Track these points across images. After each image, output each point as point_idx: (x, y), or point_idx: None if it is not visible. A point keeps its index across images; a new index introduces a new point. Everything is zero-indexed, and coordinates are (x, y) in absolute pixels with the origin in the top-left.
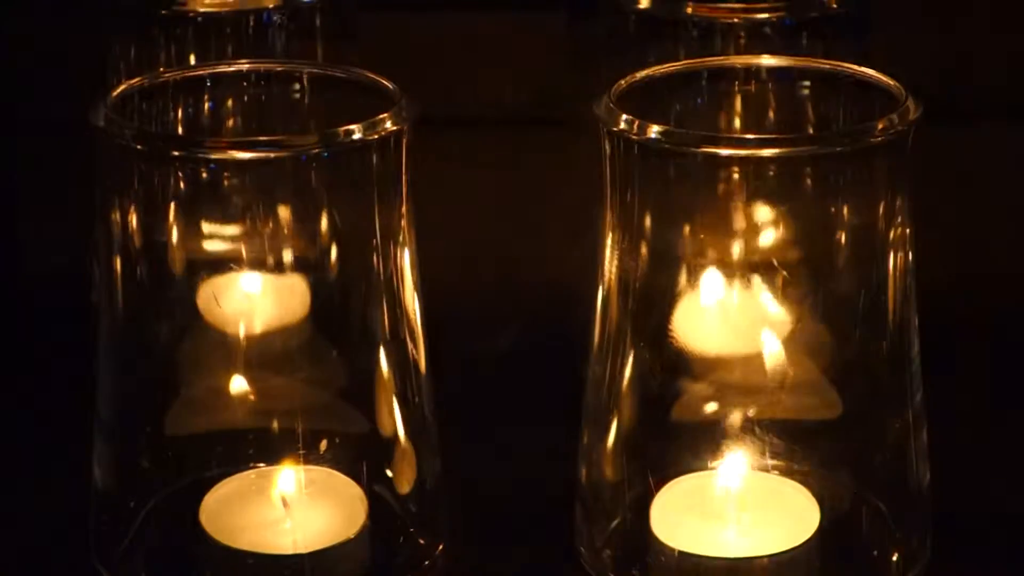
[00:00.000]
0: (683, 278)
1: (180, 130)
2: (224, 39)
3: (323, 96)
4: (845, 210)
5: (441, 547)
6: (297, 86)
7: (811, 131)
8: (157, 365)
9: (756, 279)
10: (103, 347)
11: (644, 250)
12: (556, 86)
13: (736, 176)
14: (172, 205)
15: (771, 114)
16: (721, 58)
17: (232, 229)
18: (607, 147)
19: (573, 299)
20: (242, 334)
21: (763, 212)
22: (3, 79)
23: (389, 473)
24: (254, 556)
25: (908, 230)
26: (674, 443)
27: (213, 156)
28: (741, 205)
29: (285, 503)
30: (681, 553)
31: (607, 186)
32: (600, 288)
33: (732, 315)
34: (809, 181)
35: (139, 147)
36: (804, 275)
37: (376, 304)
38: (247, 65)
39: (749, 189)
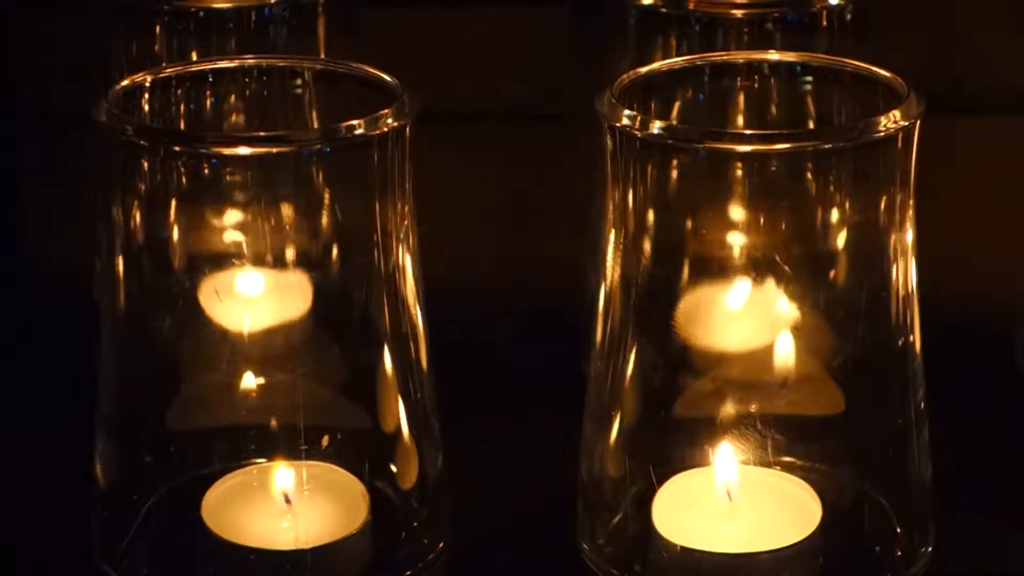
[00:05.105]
0: (685, 274)
1: (182, 125)
2: (226, 34)
3: (325, 91)
4: (848, 206)
5: (443, 543)
6: (299, 81)
7: (814, 127)
8: (159, 361)
9: (758, 275)
10: (105, 343)
11: (646, 246)
12: (558, 81)
13: (739, 172)
14: (174, 200)
15: (774, 110)
16: (724, 54)
17: (234, 225)
18: (609, 143)
19: (575, 295)
20: (244, 330)
21: (765, 208)
22: (5, 74)
23: (391, 469)
24: (256, 552)
25: (911, 226)
26: (676, 439)
27: (215, 151)
28: (743, 201)
29: (287, 499)
30: (683, 548)
31: (609, 182)
32: (602, 284)
33: (734, 311)
34: (812, 177)
35: (141, 142)
36: (806, 271)
37: (377, 299)
38: (249, 60)
39: (751, 185)
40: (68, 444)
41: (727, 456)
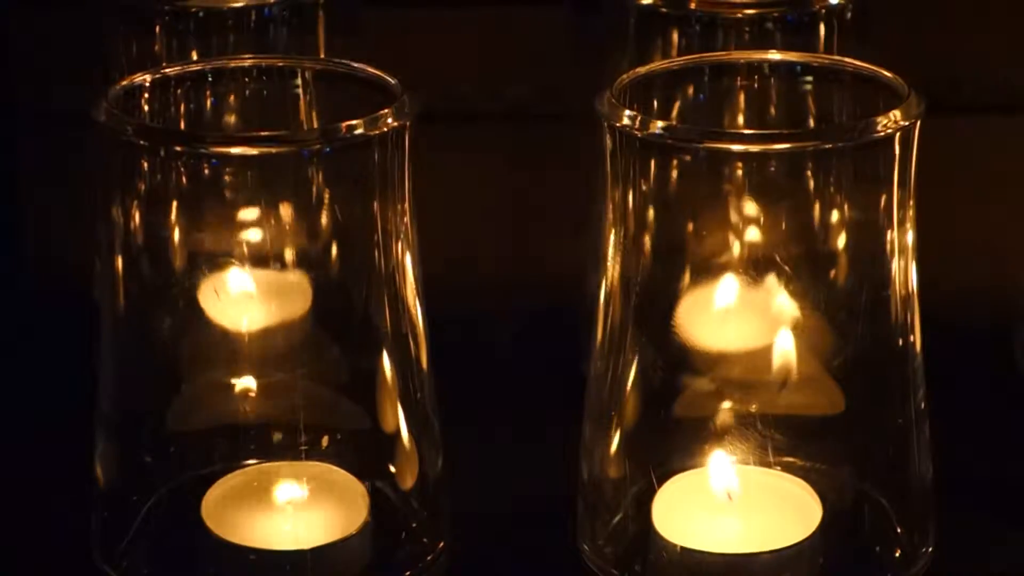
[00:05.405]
0: (686, 274)
1: (182, 125)
2: (226, 34)
3: (325, 91)
4: (848, 206)
5: (443, 543)
6: (299, 81)
7: (814, 127)
8: (159, 361)
9: (758, 275)
10: (105, 343)
11: (646, 246)
12: (558, 81)
13: (739, 172)
14: (174, 201)
15: (774, 110)
16: (724, 53)
17: (234, 225)
18: (609, 143)
19: (575, 295)
20: (244, 330)
21: (766, 208)
22: (5, 74)
23: (391, 469)
24: (256, 552)
25: (911, 226)
26: (676, 439)
27: (215, 151)
28: (743, 201)
29: (287, 499)
30: (683, 549)
31: (609, 182)
32: (602, 284)
33: (734, 311)
34: (812, 177)
35: (141, 142)
36: (807, 271)
37: (378, 300)
38: (249, 60)
39: (752, 185)
40: (68, 444)
41: (727, 456)
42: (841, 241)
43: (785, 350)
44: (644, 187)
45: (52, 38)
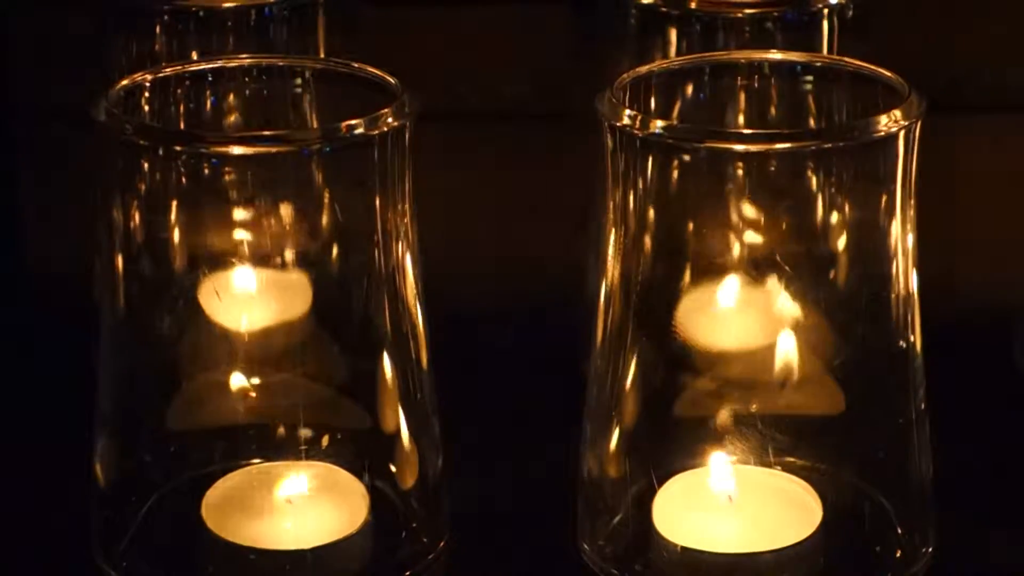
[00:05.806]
0: (686, 274)
1: (182, 125)
2: (226, 34)
3: (325, 91)
4: (848, 206)
5: (443, 543)
6: (299, 81)
7: (814, 126)
8: (159, 361)
9: (759, 275)
10: (104, 343)
11: (646, 246)
12: (558, 81)
13: (739, 171)
14: (174, 200)
15: (774, 109)
16: (724, 53)
17: (234, 224)
18: (609, 142)
19: (575, 295)
20: (244, 330)
21: (766, 208)
22: (5, 74)
23: (391, 469)
24: (256, 552)
25: (911, 226)
26: (676, 439)
27: (215, 151)
28: (744, 201)
29: (287, 499)
30: (684, 548)
31: (609, 181)
32: (602, 283)
33: (735, 311)
34: (812, 176)
35: (140, 142)
36: (807, 271)
37: (378, 299)
38: (249, 60)
39: (752, 184)
40: (68, 444)
41: (727, 456)
42: (841, 241)
43: (785, 350)
44: (644, 187)
45: (52, 38)
